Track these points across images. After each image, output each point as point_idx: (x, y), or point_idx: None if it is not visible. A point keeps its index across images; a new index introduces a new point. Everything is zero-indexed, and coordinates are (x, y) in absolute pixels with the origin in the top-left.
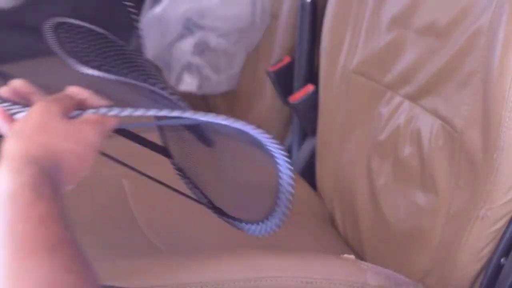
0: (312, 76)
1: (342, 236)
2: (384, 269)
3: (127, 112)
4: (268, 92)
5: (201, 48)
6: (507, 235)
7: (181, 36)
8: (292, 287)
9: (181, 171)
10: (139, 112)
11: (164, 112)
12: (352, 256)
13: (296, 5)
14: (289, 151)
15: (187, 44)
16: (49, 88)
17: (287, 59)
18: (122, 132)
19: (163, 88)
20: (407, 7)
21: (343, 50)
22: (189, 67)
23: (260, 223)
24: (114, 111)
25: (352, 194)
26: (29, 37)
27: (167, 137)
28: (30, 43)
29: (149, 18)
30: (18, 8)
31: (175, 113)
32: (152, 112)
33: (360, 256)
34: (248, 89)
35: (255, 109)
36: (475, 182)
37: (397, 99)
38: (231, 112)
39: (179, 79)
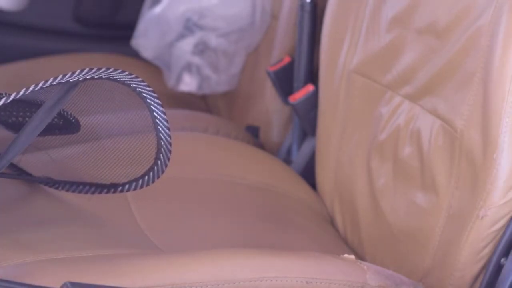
0: (312, 76)
1: (342, 236)
2: (384, 269)
3: None
4: (268, 92)
5: (201, 48)
6: (507, 235)
7: (181, 36)
8: (292, 287)
9: (59, 183)
10: None
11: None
12: (352, 256)
13: (296, 5)
14: (289, 151)
15: (187, 44)
16: None
17: (287, 59)
18: None
19: None
20: (407, 7)
21: (343, 50)
22: (189, 67)
23: (154, 167)
24: None
25: (352, 194)
26: (29, 37)
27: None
28: (30, 43)
29: (149, 18)
30: None
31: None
32: None
33: (360, 256)
34: (248, 89)
35: (255, 109)
36: (475, 182)
37: (397, 99)
38: (231, 112)
39: (179, 79)
